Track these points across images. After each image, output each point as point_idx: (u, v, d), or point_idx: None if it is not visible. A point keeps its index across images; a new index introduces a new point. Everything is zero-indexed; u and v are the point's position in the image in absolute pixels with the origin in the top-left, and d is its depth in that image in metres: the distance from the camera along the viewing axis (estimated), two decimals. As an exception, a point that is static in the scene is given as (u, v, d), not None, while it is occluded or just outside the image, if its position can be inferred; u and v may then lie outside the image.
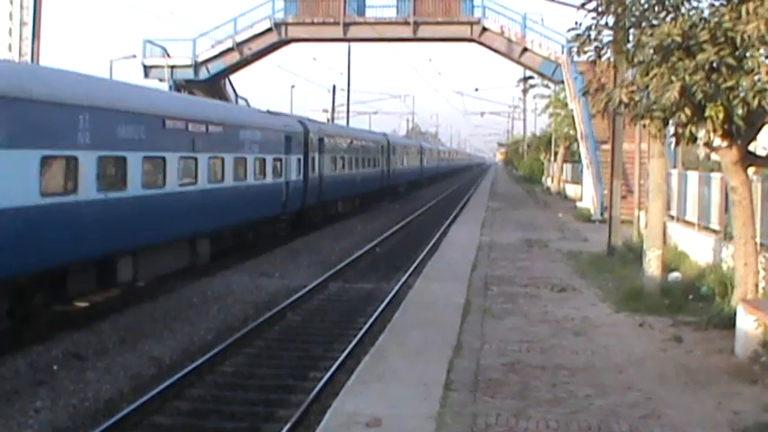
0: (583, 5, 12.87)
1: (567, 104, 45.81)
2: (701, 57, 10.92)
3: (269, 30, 42.81)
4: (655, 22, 11.99)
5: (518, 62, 42.48)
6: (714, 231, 17.82)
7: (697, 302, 14.54)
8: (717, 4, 11.44)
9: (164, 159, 17.38)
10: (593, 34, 12.67)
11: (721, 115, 11.14)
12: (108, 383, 11.39)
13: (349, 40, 47.92)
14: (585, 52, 12.97)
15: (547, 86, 53.28)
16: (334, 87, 67.45)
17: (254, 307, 16.71)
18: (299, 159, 28.81)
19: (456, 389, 9.46)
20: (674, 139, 13.73)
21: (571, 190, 49.56)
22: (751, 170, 14.01)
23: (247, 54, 43.27)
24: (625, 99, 12.09)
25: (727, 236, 16.05)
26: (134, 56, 45.64)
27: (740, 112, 11.02)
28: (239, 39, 42.88)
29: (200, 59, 43.47)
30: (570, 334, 12.59)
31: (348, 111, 66.48)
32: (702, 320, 12.98)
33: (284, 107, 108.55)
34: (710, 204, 18.26)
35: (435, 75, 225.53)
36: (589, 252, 22.62)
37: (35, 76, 14.35)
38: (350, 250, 25.27)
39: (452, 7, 41.54)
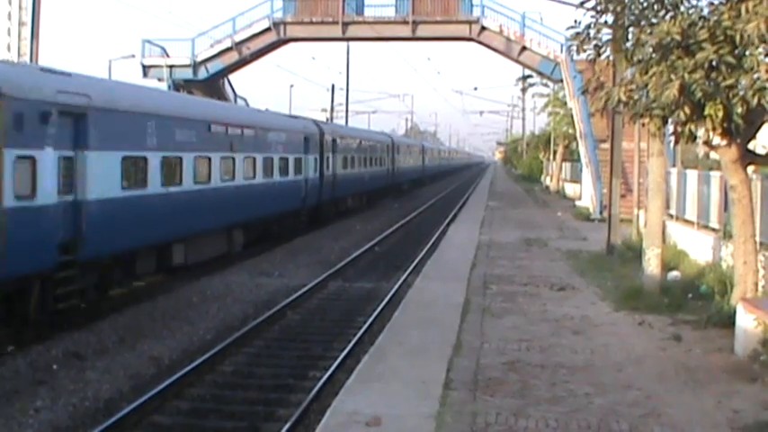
0: (582, 4, 12.86)
1: (566, 103, 45.83)
2: (700, 55, 10.92)
3: (268, 29, 42.79)
4: (654, 20, 12.00)
5: (517, 61, 42.48)
6: (713, 230, 17.82)
7: (696, 301, 14.54)
8: (716, 2, 11.44)
9: (209, 159, 20.15)
10: (592, 33, 12.68)
11: (720, 114, 11.14)
12: (108, 383, 11.39)
13: (348, 40, 47.96)
14: (585, 51, 12.97)
15: (546, 85, 53.40)
16: (333, 86, 67.45)
17: (254, 306, 16.70)
18: (316, 159, 31.40)
19: (456, 388, 9.46)
20: (673, 138, 13.74)
21: (570, 189, 49.56)
22: (750, 169, 14.01)
23: (246, 53, 43.24)
24: (624, 98, 12.10)
25: (726, 234, 16.06)
26: (133, 56, 45.59)
27: (739, 110, 11.02)
28: (238, 38, 42.85)
29: (198, 59, 43.44)
30: (570, 333, 12.59)
31: (347, 110, 66.46)
32: (702, 319, 12.98)
33: (283, 107, 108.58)
34: (710, 203, 18.27)
35: (434, 74, 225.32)
36: (588, 251, 22.62)
37: (117, 90, 17.59)
38: (349, 250, 25.27)
39: (451, 6, 41.53)
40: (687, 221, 20.29)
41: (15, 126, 12.56)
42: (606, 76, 15.70)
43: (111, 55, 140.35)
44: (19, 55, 27.98)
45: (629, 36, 12.64)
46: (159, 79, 42.87)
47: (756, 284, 12.82)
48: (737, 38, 10.53)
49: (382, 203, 45.65)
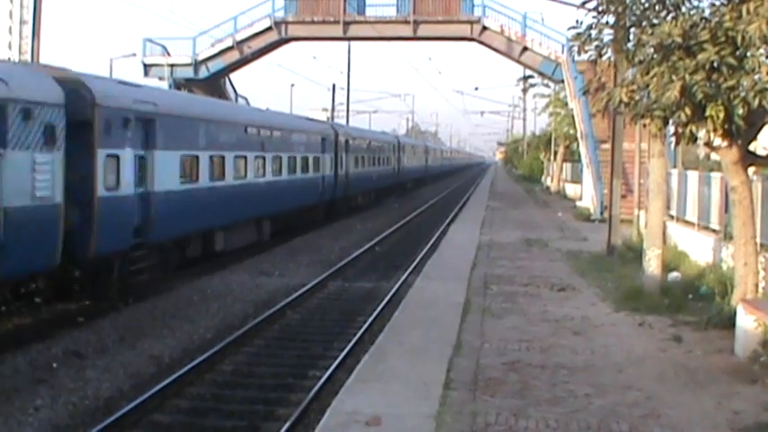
0: (583, 4, 12.86)
1: (566, 104, 45.84)
2: (701, 56, 10.92)
3: (269, 28, 42.80)
4: (655, 21, 12.00)
5: (518, 61, 42.47)
6: (714, 231, 17.82)
7: (697, 302, 14.53)
8: (717, 3, 11.44)
9: (245, 157, 22.93)
10: (593, 33, 12.67)
11: (722, 115, 11.13)
12: (108, 382, 11.39)
13: (349, 39, 47.94)
14: (586, 51, 12.96)
15: (547, 86, 53.34)
16: (333, 86, 67.45)
17: (254, 305, 16.70)
18: (331, 158, 33.99)
19: (456, 388, 9.46)
20: (674, 139, 13.76)
21: (571, 189, 49.56)
22: (751, 170, 14.01)
23: (247, 53, 43.24)
24: (625, 98, 12.09)
25: (726, 236, 16.06)
26: (134, 54, 45.65)
27: (740, 111, 11.02)
28: (239, 37, 42.85)
29: (199, 58, 43.43)
30: (570, 333, 12.58)
31: (348, 110, 66.47)
32: (702, 320, 12.97)
33: (284, 106, 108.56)
34: (710, 204, 18.26)
35: (435, 74, 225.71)
36: (589, 251, 22.62)
37: (175, 98, 22.22)
38: (349, 249, 25.27)
39: (452, 6, 41.53)
40: (688, 222, 20.28)
41: (105, 130, 15.16)
42: (607, 77, 15.70)
43: (113, 53, 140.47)
44: (20, 54, 27.97)
45: (631, 37, 12.62)
46: (160, 78, 42.82)
47: (757, 286, 12.81)
48: (739, 39, 10.52)
49: (382, 203, 45.86)
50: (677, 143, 15.10)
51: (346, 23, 42.23)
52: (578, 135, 38.86)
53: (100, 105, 14.94)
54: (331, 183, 33.72)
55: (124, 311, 15.55)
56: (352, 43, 57.76)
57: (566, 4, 20.17)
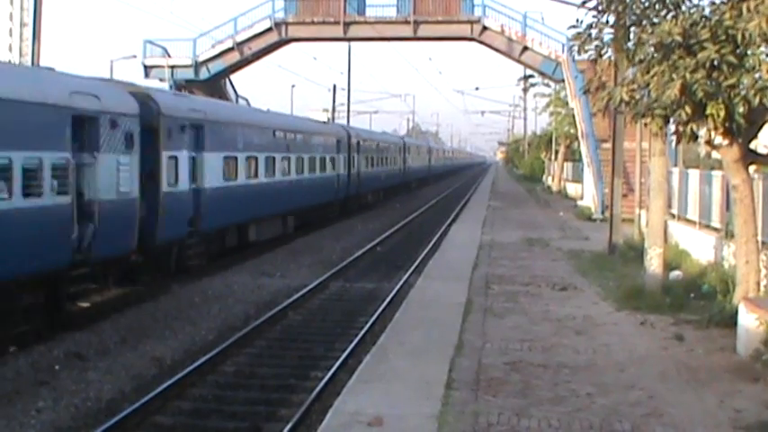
0: (584, 4, 12.87)
1: (567, 103, 45.79)
2: (701, 55, 10.91)
3: (269, 29, 42.77)
4: (655, 20, 12.00)
5: (518, 61, 42.46)
6: (715, 229, 17.81)
7: (698, 301, 14.53)
8: (717, 1, 11.44)
9: (274, 158, 25.75)
10: (593, 32, 12.68)
11: (722, 113, 11.13)
12: (109, 383, 11.39)
13: (349, 40, 47.90)
14: (586, 51, 12.97)
15: (547, 85, 53.27)
16: (334, 87, 67.36)
17: (256, 306, 16.70)
18: (345, 158, 36.56)
19: (458, 388, 9.46)
20: (674, 138, 13.73)
21: (572, 189, 49.54)
22: (752, 168, 14.00)
23: (247, 54, 43.23)
24: (626, 97, 12.09)
25: (728, 234, 16.05)
26: (134, 56, 45.59)
27: (741, 110, 11.02)
28: (239, 38, 42.83)
29: (200, 59, 43.42)
30: (572, 333, 12.58)
31: (348, 110, 66.42)
32: (704, 319, 12.97)
33: (284, 107, 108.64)
34: (711, 202, 18.26)
35: (436, 74, 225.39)
36: (590, 251, 22.61)
37: (219, 107, 25.50)
38: (351, 250, 25.27)
39: (452, 6, 41.51)
40: (689, 221, 20.28)
41: (168, 135, 17.98)
42: (608, 76, 15.70)
43: (113, 55, 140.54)
44: (20, 56, 27.99)
45: (631, 36, 12.63)
46: (161, 79, 42.80)
47: (758, 284, 12.81)
48: (739, 37, 10.52)
49: (386, 203, 46.11)
50: (678, 142, 15.06)
51: (346, 24, 42.21)
52: (579, 134, 38.85)
53: (164, 115, 17.83)
54: (345, 181, 36.26)
55: (126, 312, 15.56)
56: (353, 44, 57.78)
57: (566, 3, 20.19)
